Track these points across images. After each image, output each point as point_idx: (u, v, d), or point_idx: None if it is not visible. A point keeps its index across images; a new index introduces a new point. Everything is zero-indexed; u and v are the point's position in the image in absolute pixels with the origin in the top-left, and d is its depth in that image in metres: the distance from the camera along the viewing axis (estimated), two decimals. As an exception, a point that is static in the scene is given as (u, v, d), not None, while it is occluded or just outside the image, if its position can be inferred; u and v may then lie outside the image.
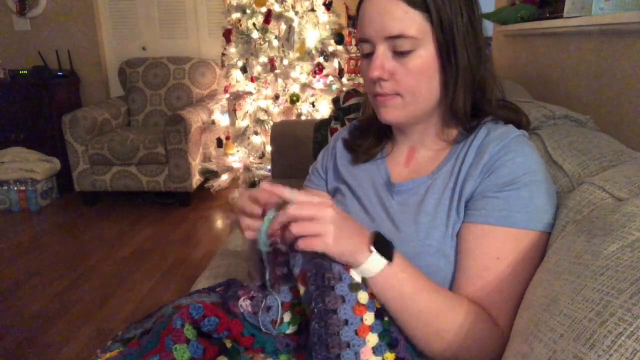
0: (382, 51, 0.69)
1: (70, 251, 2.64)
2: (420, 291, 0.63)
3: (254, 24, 3.04)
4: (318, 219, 0.59)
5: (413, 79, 0.69)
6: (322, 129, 1.99)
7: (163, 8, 3.76)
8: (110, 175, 3.19)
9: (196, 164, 3.25)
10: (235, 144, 3.14)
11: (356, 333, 0.59)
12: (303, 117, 3.02)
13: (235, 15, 3.09)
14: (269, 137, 2.65)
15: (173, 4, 3.74)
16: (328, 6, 3.07)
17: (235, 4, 3.08)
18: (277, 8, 2.95)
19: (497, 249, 0.65)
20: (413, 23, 0.66)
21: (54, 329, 1.92)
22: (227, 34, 3.16)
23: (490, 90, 0.74)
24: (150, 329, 0.72)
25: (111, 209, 3.29)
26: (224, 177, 3.19)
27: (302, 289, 0.65)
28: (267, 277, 0.70)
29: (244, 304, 0.70)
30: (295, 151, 2.13)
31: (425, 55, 0.68)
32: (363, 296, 0.62)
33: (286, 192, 0.62)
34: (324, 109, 3.04)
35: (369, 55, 0.72)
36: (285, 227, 0.62)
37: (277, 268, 0.70)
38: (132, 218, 3.11)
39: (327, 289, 0.60)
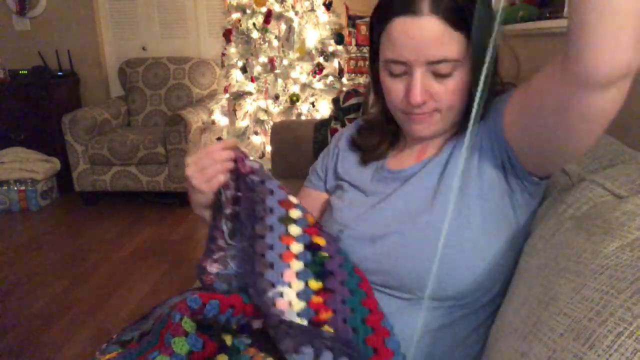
0: (422, 75, 0.67)
1: (70, 251, 2.64)
2: None
3: (254, 24, 3.04)
4: None
5: (453, 97, 0.69)
6: (322, 129, 1.99)
7: (163, 8, 3.76)
8: (110, 175, 3.19)
9: (196, 164, 3.24)
10: (235, 144, 3.14)
11: (280, 257, 0.68)
12: (303, 117, 3.02)
13: (235, 15, 3.09)
14: (269, 137, 2.65)
15: (173, 4, 3.74)
16: (328, 6, 3.07)
17: (235, 4, 3.08)
18: (277, 8, 2.95)
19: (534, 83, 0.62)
20: (456, 46, 0.65)
21: (54, 329, 1.91)
22: (227, 34, 3.16)
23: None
24: (150, 331, 0.72)
25: (111, 209, 3.29)
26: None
27: None
28: (224, 217, 0.75)
29: (213, 267, 0.75)
30: (295, 151, 2.13)
31: (463, 73, 0.68)
32: (294, 229, 0.71)
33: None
34: (324, 109, 3.04)
35: (399, 75, 0.70)
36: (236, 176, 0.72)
37: (227, 208, 0.76)
38: (132, 218, 3.10)
39: (257, 219, 0.70)
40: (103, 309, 2.06)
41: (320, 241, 0.72)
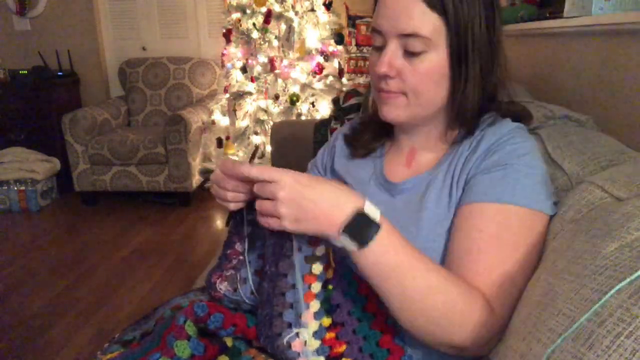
0: (393, 48, 0.69)
1: (70, 251, 2.64)
2: (402, 275, 0.59)
3: (254, 24, 3.04)
4: (274, 200, 0.59)
5: (420, 81, 0.69)
6: (322, 129, 1.99)
7: (163, 8, 3.76)
8: (110, 175, 3.19)
9: (196, 164, 3.25)
10: (235, 144, 3.14)
11: (301, 297, 0.65)
12: (303, 117, 3.02)
13: (235, 15, 3.09)
14: (269, 137, 2.65)
15: (173, 4, 3.74)
16: (328, 6, 3.07)
17: (235, 4, 3.08)
18: (277, 8, 2.95)
19: (481, 226, 0.64)
20: (428, 24, 0.66)
21: (54, 329, 1.92)
22: (227, 34, 3.16)
23: (499, 95, 0.74)
24: (152, 331, 0.72)
25: (111, 209, 3.29)
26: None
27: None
28: (244, 238, 0.74)
29: (222, 286, 0.73)
30: (295, 151, 2.13)
31: (436, 59, 0.68)
32: (317, 267, 0.67)
33: (244, 169, 0.62)
34: (324, 109, 3.04)
35: (379, 49, 0.71)
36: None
37: (244, 228, 0.74)
38: (132, 218, 3.11)
39: (283, 256, 0.66)
40: (103, 309, 2.06)
41: (330, 274, 0.69)
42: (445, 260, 0.69)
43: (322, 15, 3.05)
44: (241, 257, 0.73)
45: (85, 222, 3.06)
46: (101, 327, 1.92)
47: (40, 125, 3.43)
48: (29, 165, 3.23)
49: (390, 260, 0.59)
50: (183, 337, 0.63)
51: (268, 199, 0.60)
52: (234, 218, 0.75)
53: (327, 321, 0.66)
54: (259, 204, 0.60)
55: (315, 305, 0.66)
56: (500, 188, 0.65)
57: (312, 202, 0.59)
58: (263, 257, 0.71)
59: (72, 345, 1.82)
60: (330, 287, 0.67)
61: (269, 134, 2.49)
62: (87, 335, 1.88)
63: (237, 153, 3.18)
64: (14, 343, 1.83)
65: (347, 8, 3.51)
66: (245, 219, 0.73)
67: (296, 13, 2.97)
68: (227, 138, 3.21)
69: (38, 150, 3.40)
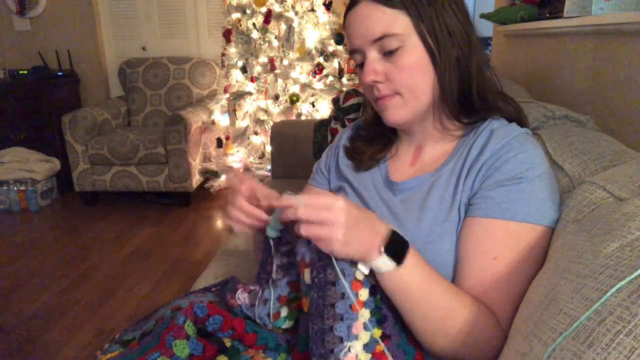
0: (372, 55, 0.71)
1: (70, 251, 2.64)
2: (427, 293, 0.63)
3: (254, 24, 3.04)
4: (327, 224, 0.58)
5: (407, 75, 0.71)
6: (322, 129, 1.99)
7: (163, 8, 3.76)
8: (110, 175, 3.19)
9: (196, 164, 3.25)
10: (235, 144, 3.14)
11: (350, 307, 0.62)
12: (303, 117, 3.02)
13: (235, 15, 3.09)
14: (269, 137, 2.65)
15: (173, 4, 3.74)
16: (328, 6, 3.07)
17: (235, 4, 3.08)
18: (277, 8, 2.95)
19: (496, 248, 0.65)
20: (394, 21, 0.68)
21: (54, 329, 1.92)
22: (227, 34, 3.16)
23: (486, 78, 0.75)
24: (151, 331, 0.73)
25: (111, 209, 3.30)
26: (224, 177, 3.19)
27: (305, 273, 0.65)
28: (275, 266, 0.72)
29: (242, 296, 0.73)
30: (295, 151, 2.13)
31: (414, 50, 0.70)
32: (360, 274, 0.64)
33: (291, 200, 0.60)
34: (324, 109, 3.04)
35: (362, 64, 0.74)
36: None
37: (279, 257, 0.72)
38: (132, 218, 3.11)
39: (329, 260, 0.63)
40: (103, 309, 2.06)
41: (373, 280, 0.66)
42: (445, 259, 0.69)
43: (322, 15, 3.05)
44: (272, 277, 0.73)
45: (85, 222, 3.06)
46: (101, 327, 1.92)
47: (40, 125, 3.43)
48: (29, 165, 3.23)
49: (416, 281, 0.62)
50: (182, 337, 0.63)
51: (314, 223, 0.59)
52: (265, 244, 0.74)
53: (377, 332, 0.63)
54: (309, 229, 0.58)
55: (365, 314, 0.63)
56: (514, 204, 0.65)
57: (363, 226, 0.60)
58: (291, 285, 0.70)
59: (72, 345, 1.82)
60: (379, 296, 0.64)
61: (269, 134, 2.49)
62: (87, 335, 1.88)
63: (237, 153, 3.18)
64: (14, 343, 1.83)
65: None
66: (273, 248, 0.72)
67: (296, 13, 2.97)
68: (227, 138, 3.21)
69: (38, 150, 3.40)
